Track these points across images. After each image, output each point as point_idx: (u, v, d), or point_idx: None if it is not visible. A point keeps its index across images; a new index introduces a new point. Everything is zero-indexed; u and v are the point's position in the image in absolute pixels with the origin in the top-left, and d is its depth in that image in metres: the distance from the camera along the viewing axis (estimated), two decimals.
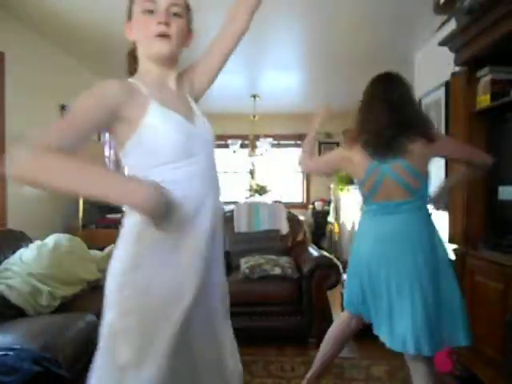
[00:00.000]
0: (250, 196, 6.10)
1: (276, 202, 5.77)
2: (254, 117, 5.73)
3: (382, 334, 1.80)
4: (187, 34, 1.20)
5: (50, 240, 2.68)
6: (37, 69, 3.43)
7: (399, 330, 1.71)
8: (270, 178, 6.65)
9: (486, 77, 2.31)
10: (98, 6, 2.93)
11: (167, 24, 1.10)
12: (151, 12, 1.11)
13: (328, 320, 2.78)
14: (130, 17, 1.18)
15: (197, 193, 1.11)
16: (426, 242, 1.74)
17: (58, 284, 2.42)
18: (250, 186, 6.50)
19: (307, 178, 7.06)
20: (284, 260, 3.32)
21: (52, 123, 0.99)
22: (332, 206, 6.19)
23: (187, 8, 1.20)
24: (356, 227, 2.00)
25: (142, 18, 1.13)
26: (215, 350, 1.18)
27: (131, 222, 1.09)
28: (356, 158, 1.87)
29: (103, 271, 2.69)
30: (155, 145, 1.07)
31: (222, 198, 1.22)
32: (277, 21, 3.19)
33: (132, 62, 1.23)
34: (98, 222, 3.83)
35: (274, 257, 3.36)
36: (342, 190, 5.81)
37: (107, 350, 1.07)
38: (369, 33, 3.43)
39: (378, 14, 3.07)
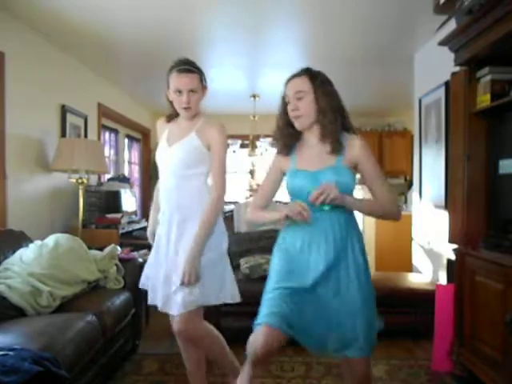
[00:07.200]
0: (250, 196, 6.09)
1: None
2: (254, 117, 5.72)
3: None
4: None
5: (50, 240, 2.67)
6: (37, 69, 3.42)
7: None
8: None
9: (485, 77, 2.31)
10: (99, 6, 2.93)
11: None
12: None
13: None
14: None
15: None
16: None
17: (58, 284, 2.42)
18: (250, 185, 6.49)
19: None
20: None
21: None
22: None
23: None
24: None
25: None
26: None
27: None
28: None
29: (103, 271, 2.71)
30: None
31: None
32: (277, 21, 3.19)
33: None
34: (98, 222, 3.83)
35: None
36: None
37: None
38: (369, 33, 3.43)
39: (378, 14, 3.07)
